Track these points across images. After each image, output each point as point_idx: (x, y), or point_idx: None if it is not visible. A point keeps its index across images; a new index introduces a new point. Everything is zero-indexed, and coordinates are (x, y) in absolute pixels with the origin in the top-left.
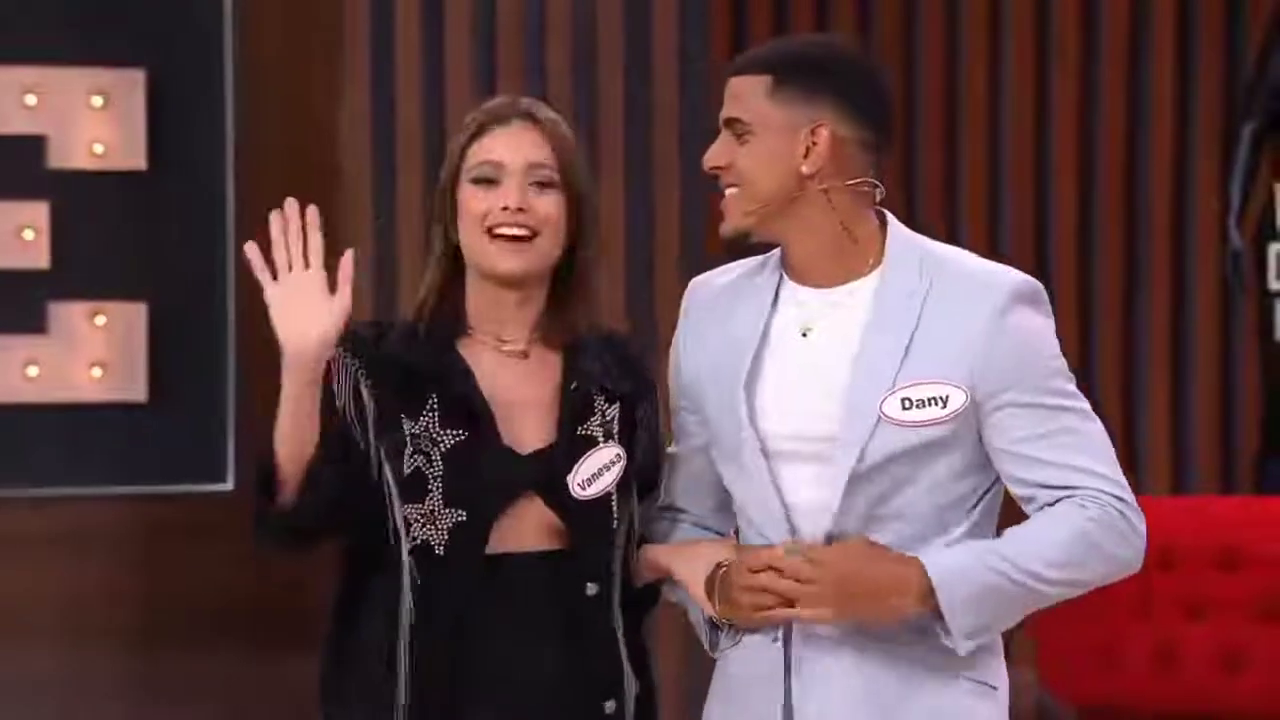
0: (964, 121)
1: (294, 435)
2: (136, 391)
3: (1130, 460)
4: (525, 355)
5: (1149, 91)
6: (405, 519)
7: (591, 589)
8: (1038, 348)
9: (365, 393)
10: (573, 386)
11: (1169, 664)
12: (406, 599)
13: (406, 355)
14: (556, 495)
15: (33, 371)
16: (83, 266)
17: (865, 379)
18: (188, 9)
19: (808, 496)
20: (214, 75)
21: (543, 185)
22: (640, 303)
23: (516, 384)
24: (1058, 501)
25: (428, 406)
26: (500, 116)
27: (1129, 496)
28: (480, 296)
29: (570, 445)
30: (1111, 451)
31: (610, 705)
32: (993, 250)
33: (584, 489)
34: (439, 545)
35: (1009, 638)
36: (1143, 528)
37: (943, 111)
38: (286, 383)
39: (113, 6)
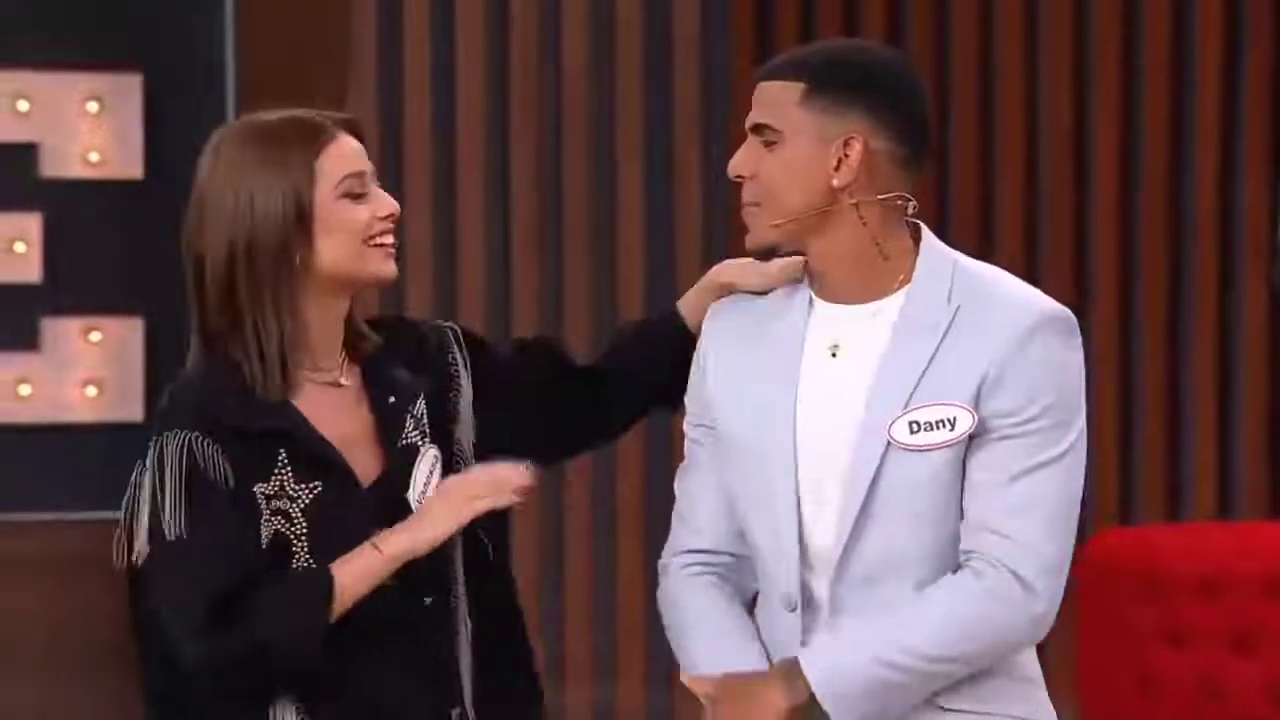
0: (999, 129)
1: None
2: (133, 411)
3: (1173, 484)
4: (339, 384)
5: (1193, 96)
6: None
7: (427, 600)
8: (1054, 380)
9: (229, 470)
10: (390, 400)
11: (1214, 697)
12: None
13: (247, 420)
14: (402, 516)
15: (24, 390)
16: (76, 280)
17: (878, 404)
18: (187, 11)
19: (822, 532)
20: (214, 80)
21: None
22: (660, 306)
23: (340, 415)
24: (963, 564)
25: (278, 464)
26: (323, 128)
27: (1033, 566)
28: (318, 323)
29: (400, 462)
30: (1063, 518)
31: (456, 712)
32: (1030, 263)
33: (420, 501)
34: None
35: (1049, 661)
36: (1039, 605)
37: (977, 118)
38: (429, 537)
39: (108, 8)
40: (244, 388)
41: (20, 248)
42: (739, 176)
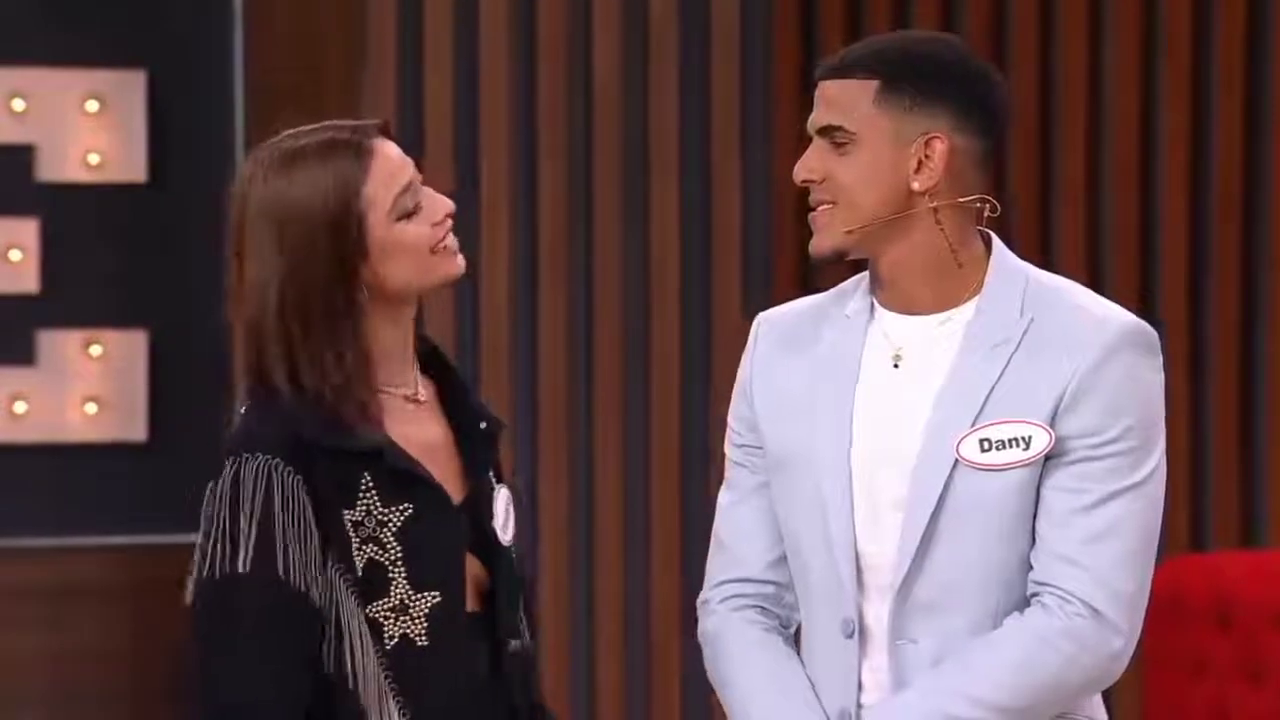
0: (1060, 128)
1: None
2: (135, 430)
3: (1246, 512)
4: (418, 399)
5: (1268, 91)
6: (373, 620)
7: (514, 645)
8: (1136, 400)
9: (307, 503)
10: (482, 426)
11: None
12: (390, 710)
13: (339, 440)
14: (485, 546)
15: (20, 408)
16: (76, 291)
17: (944, 419)
18: (193, 5)
19: (880, 553)
20: (222, 78)
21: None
22: (697, 324)
23: (423, 433)
24: (1033, 597)
25: (363, 488)
26: (362, 145)
27: (1109, 599)
28: (389, 336)
29: (484, 490)
30: (1143, 549)
31: None
32: (1092, 269)
33: (504, 534)
34: (419, 636)
35: (1113, 692)
36: (1116, 642)
37: (1037, 119)
38: None
39: (110, 2)
40: (330, 406)
41: (16, 256)
42: (807, 181)
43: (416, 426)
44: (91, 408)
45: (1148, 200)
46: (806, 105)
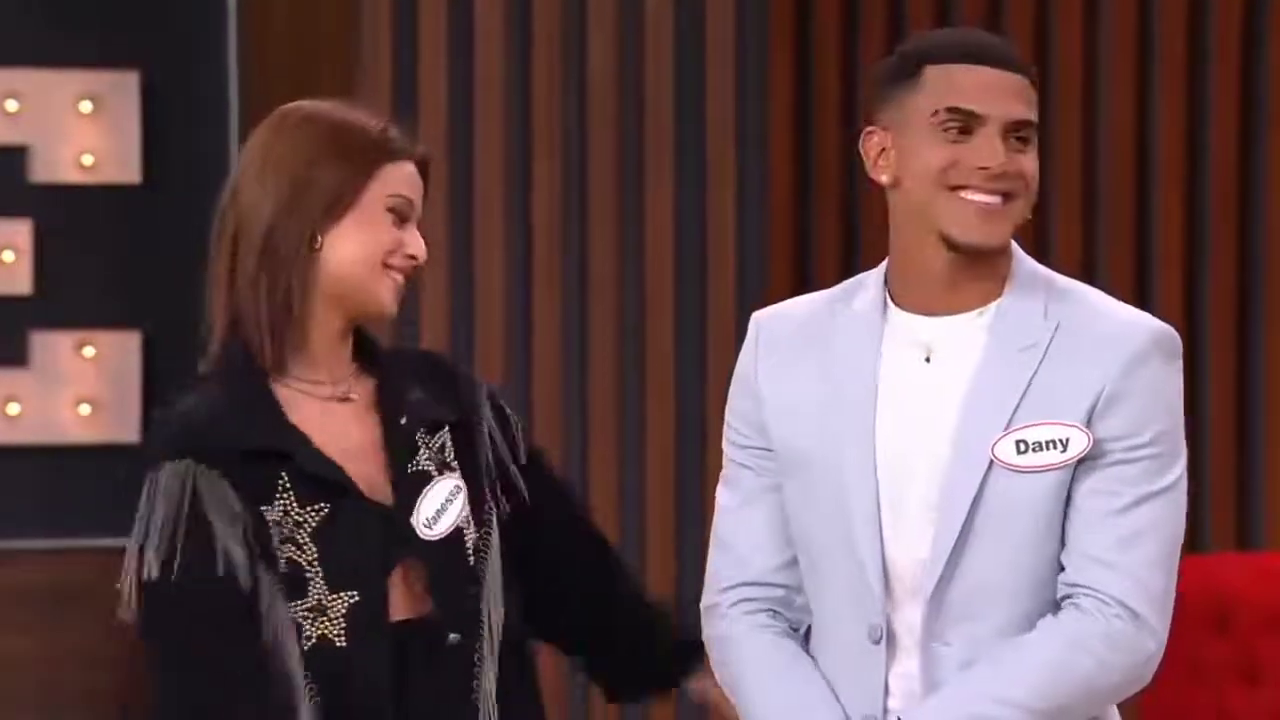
0: (1055, 126)
1: None
2: (129, 432)
3: (1243, 514)
4: (347, 398)
5: (1264, 91)
6: (294, 622)
7: (453, 638)
8: (1165, 405)
9: (234, 496)
10: (401, 421)
11: None
12: (305, 709)
13: (246, 440)
14: (409, 541)
15: (13, 409)
16: (69, 292)
17: (976, 420)
18: (188, 5)
19: (905, 557)
20: (216, 78)
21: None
22: (692, 323)
23: (346, 430)
24: (1065, 599)
25: (280, 488)
26: (397, 151)
27: (1144, 601)
28: (326, 326)
29: (406, 486)
30: (1172, 552)
31: None
32: (1088, 270)
33: (429, 528)
34: (338, 636)
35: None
36: (1152, 643)
37: None
38: None
39: (103, 2)
40: (242, 404)
41: (9, 256)
42: (1005, 173)
43: (341, 427)
44: (85, 409)
45: (1143, 201)
46: (801, 104)
